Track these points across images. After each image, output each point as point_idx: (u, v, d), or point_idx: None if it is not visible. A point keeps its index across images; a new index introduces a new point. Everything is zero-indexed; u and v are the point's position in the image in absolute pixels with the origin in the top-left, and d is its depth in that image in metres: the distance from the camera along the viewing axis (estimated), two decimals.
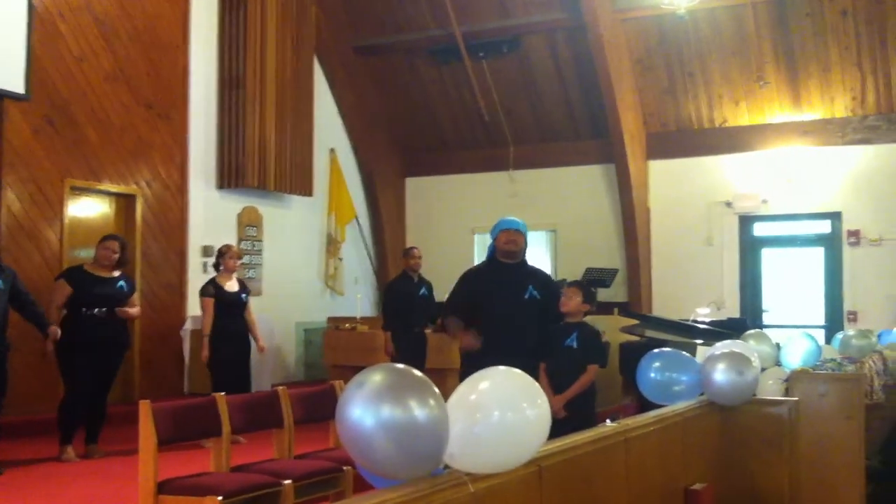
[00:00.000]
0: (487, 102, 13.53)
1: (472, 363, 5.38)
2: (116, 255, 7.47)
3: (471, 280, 5.70)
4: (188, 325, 10.24)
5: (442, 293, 9.48)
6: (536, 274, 5.75)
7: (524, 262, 5.71)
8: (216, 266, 8.36)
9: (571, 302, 5.62)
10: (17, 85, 8.75)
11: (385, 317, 9.34)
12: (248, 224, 11.78)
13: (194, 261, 10.79)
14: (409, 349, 8.80)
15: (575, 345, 5.52)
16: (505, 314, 5.45)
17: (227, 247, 8.44)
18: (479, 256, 13.39)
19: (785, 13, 11.60)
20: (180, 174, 10.73)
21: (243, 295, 8.30)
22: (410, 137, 14.64)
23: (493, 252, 5.69)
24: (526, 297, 5.49)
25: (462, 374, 5.35)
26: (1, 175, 8.72)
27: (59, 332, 7.02)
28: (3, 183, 8.74)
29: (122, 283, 7.53)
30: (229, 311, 8.16)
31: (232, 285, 8.26)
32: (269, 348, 9.52)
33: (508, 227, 5.61)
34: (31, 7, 8.87)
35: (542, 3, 12.56)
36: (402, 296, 9.13)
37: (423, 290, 9.23)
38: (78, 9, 9.56)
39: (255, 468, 5.12)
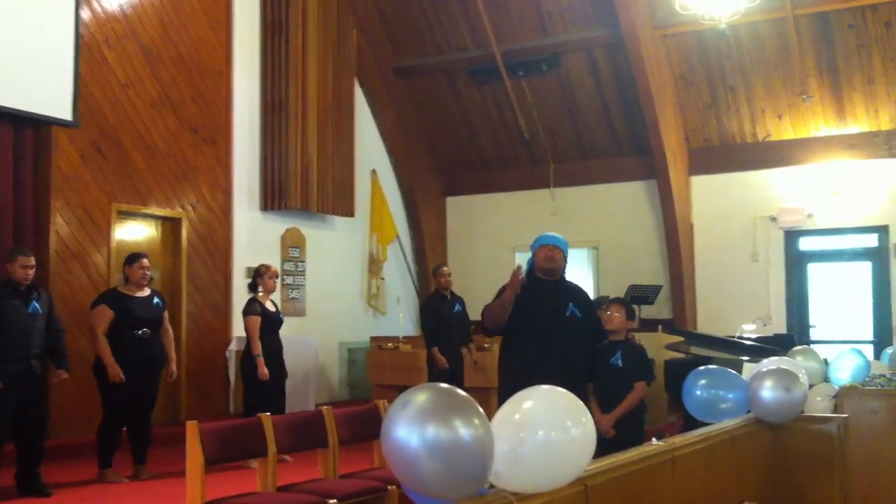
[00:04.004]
0: (527, 121, 13.54)
1: (513, 384, 5.29)
2: (150, 273, 7.56)
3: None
4: (233, 346, 10.33)
5: (479, 311, 9.51)
6: (576, 291, 5.59)
7: (563, 279, 5.57)
8: (253, 286, 8.36)
9: (616, 319, 5.58)
10: (65, 112, 8.92)
11: (426, 335, 9.32)
12: (292, 245, 11.88)
13: (239, 282, 10.88)
14: (448, 367, 8.80)
15: (620, 363, 5.48)
16: (547, 333, 5.30)
17: (266, 266, 8.41)
18: None
19: (828, 26, 11.48)
20: (225, 197, 10.86)
21: (281, 315, 8.35)
22: (451, 157, 14.69)
23: (531, 268, 5.55)
24: (567, 314, 5.36)
25: (502, 395, 5.28)
26: (50, 200, 8.88)
27: (66, 377, 7.04)
28: (53, 208, 8.90)
29: (157, 300, 7.59)
30: (271, 331, 8.19)
31: (270, 305, 8.31)
32: (313, 368, 9.58)
33: (547, 242, 5.49)
34: (77, 35, 9.05)
35: (580, 21, 12.57)
36: (436, 314, 9.11)
37: (457, 307, 9.21)
38: (124, 36, 9.74)
39: (300, 488, 5.16)
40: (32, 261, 6.73)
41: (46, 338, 6.82)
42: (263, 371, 7.94)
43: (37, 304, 6.72)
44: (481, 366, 9.52)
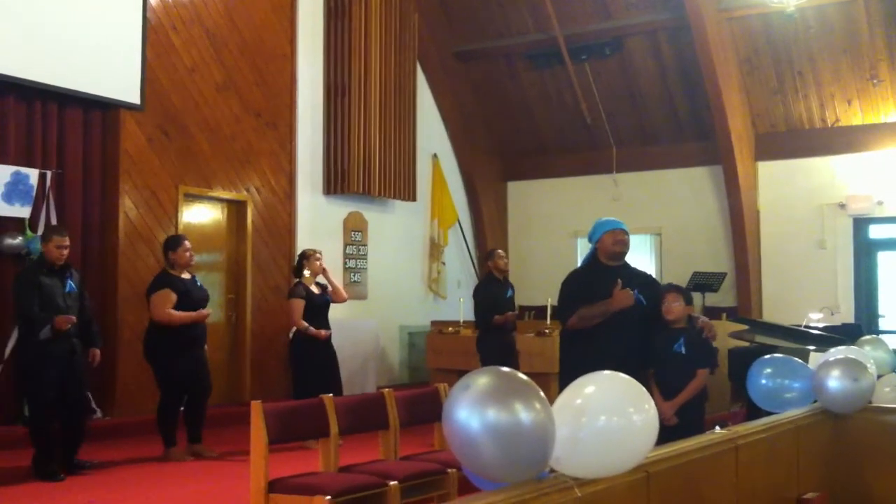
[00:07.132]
0: (589, 105, 13.43)
1: (578, 371, 5.20)
2: (194, 255, 7.67)
3: (580, 282, 5.36)
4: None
5: (543, 297, 9.48)
6: (641, 276, 5.47)
7: (627, 265, 5.44)
8: (298, 271, 8.42)
9: (675, 307, 5.50)
10: (132, 96, 9.09)
11: (479, 320, 9.19)
12: (354, 229, 11.96)
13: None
14: (501, 353, 8.69)
15: (683, 350, 5.41)
16: (614, 321, 5.16)
17: (313, 250, 8.48)
18: (581, 260, 13.26)
19: None
20: (288, 181, 10.98)
21: (327, 297, 8.38)
22: (512, 141, 14.64)
23: (593, 255, 5.43)
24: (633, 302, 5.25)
25: (564, 382, 5.18)
26: (118, 182, 9.06)
27: (99, 355, 7.02)
28: (121, 190, 9.08)
29: (199, 282, 7.74)
30: (317, 315, 8.20)
31: (316, 288, 8.33)
32: (373, 350, 9.59)
33: (615, 227, 5.33)
34: (145, 21, 9.20)
35: (644, 4, 12.42)
36: (493, 298, 9.02)
37: (509, 292, 9.13)
38: (190, 22, 9.87)
39: (361, 469, 5.21)
40: (67, 241, 6.79)
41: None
42: (320, 332, 8.05)
43: (72, 283, 6.81)
44: (538, 350, 9.48)
